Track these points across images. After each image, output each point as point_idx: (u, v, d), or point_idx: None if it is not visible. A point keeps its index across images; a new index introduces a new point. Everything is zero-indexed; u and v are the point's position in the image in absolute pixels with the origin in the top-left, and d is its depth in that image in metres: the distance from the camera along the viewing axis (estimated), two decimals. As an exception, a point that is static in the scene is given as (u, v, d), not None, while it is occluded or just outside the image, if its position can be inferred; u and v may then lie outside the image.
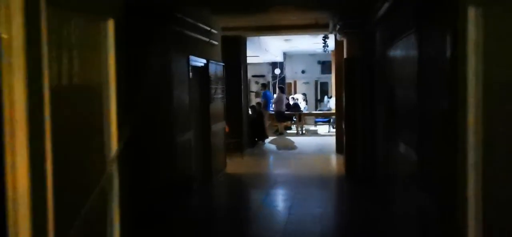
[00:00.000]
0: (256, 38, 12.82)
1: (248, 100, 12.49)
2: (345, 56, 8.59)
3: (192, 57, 7.10)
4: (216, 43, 8.38)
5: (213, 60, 8.29)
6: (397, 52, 5.25)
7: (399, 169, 5.02)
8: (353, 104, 8.26)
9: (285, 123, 16.15)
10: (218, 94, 8.58)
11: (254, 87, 20.99)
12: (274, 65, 21.65)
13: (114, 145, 2.82)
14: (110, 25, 2.80)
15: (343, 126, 8.84)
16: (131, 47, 3.24)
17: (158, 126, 5.76)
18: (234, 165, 9.86)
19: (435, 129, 3.43)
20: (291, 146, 13.11)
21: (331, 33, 10.64)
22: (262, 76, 22.55)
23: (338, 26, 8.31)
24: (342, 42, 10.72)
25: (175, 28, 6.25)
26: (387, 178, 6.08)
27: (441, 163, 3.20)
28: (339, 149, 11.36)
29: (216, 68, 8.43)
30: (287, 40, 15.57)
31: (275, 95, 16.57)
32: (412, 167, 4.20)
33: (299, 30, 11.16)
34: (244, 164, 10.30)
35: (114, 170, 2.83)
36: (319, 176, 8.92)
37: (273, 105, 16.02)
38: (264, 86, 16.25)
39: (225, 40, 11.18)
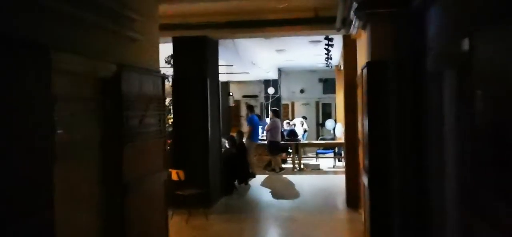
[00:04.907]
0: (232, 44, 9.26)
1: (220, 130, 8.79)
2: (368, 58, 4.97)
3: (65, 57, 3.49)
4: (137, 36, 4.73)
5: (136, 66, 4.69)
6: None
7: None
8: (385, 140, 4.66)
9: (280, 157, 12.43)
10: (149, 126, 4.96)
11: (245, 111, 17.39)
12: (267, 83, 18.20)
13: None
14: None
15: (365, 180, 5.18)
16: None
17: None
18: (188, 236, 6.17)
19: None
20: (286, 194, 9.42)
21: (339, 30, 7.07)
22: (255, 96, 19.06)
23: (355, 5, 4.74)
24: (354, 42, 7.17)
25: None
26: None
27: None
28: (351, 201, 7.75)
29: (142, 81, 4.82)
30: (279, 50, 12.06)
31: (268, 121, 12.85)
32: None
33: (290, 28, 7.59)
34: (205, 235, 6.57)
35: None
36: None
37: (266, 134, 12.25)
38: (251, 108, 12.40)
39: (180, 42, 7.66)
